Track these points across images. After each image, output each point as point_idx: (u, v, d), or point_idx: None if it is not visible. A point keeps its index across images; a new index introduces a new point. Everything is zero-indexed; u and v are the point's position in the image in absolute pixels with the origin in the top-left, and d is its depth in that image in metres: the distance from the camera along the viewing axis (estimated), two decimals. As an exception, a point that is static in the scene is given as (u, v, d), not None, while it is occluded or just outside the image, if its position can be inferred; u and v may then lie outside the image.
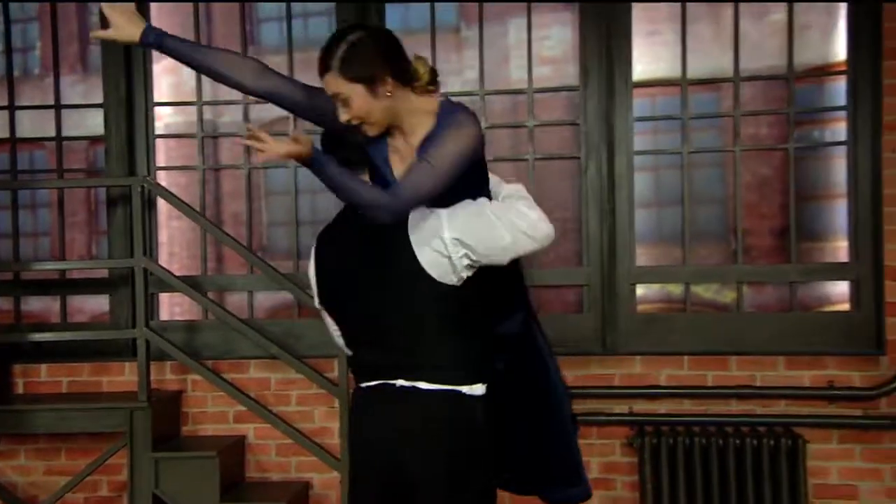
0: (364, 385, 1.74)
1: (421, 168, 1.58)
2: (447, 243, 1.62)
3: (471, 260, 1.64)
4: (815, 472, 2.90)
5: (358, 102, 1.60)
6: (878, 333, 2.93)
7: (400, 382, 1.66)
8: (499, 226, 1.64)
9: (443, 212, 1.64)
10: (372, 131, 1.66)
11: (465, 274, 1.66)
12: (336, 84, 1.60)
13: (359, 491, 1.75)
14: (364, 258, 1.69)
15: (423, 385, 1.65)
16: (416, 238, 1.63)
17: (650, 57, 3.15)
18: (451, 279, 1.65)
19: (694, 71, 3.05)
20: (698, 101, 3.13)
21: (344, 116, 1.62)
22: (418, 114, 1.67)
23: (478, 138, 1.63)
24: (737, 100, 3.05)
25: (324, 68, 1.61)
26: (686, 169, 3.08)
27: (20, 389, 3.23)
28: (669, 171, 3.18)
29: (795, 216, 3.04)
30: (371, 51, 1.60)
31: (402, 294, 1.65)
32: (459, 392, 1.66)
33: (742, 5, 3.02)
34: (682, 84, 3.07)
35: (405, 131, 1.69)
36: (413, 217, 1.64)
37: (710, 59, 3.10)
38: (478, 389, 1.68)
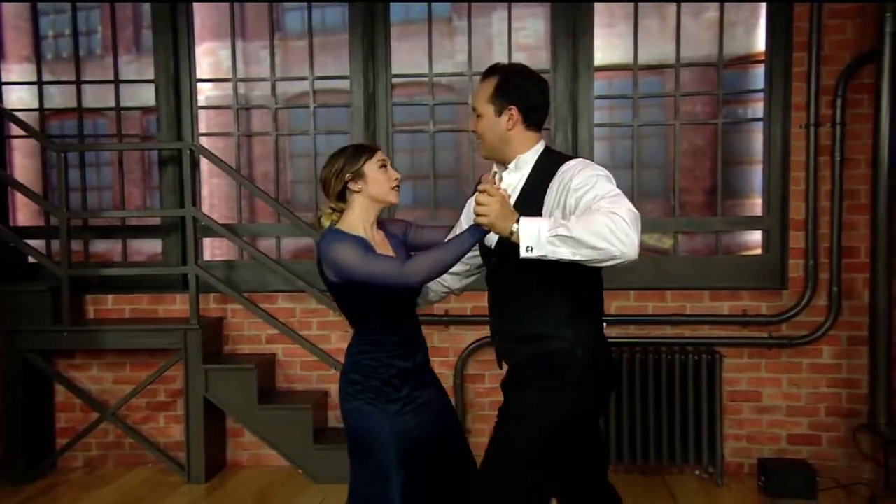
0: None
1: None
2: None
3: None
4: (729, 381, 3.62)
5: None
6: (783, 272, 3.63)
7: None
8: None
9: None
10: None
11: None
12: None
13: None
14: None
15: None
16: None
17: (608, 46, 3.75)
18: None
19: (643, 58, 3.68)
20: (646, 84, 3.77)
21: None
22: None
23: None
24: (677, 82, 3.70)
25: None
26: (636, 139, 3.74)
27: (91, 315, 3.90)
28: (622, 140, 3.81)
29: (721, 178, 3.71)
30: None
31: None
32: None
33: (683, 4, 3.64)
34: (633, 69, 3.70)
35: None
36: None
37: (657, 48, 3.71)
38: None
